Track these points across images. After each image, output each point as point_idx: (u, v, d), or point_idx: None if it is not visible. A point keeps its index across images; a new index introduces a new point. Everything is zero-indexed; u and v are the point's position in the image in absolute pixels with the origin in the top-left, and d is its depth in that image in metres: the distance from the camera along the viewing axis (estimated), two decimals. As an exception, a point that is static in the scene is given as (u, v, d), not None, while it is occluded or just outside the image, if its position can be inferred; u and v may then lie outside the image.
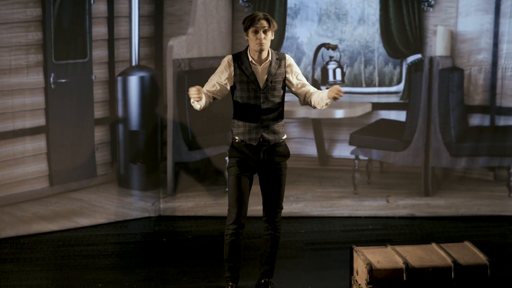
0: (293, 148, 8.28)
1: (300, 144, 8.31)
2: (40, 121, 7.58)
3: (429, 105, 8.04)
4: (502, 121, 8.13)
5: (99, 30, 7.78)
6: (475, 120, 8.18)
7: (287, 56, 5.74)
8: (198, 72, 7.96)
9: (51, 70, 7.53)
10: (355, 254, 5.76)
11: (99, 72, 7.83)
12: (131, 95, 7.95)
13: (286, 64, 5.70)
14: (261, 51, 5.60)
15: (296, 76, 5.75)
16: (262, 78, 5.64)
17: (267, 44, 5.58)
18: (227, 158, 5.88)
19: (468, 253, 5.71)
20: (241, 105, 5.67)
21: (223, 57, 5.74)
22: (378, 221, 7.92)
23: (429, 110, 8.04)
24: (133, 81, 7.94)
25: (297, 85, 5.76)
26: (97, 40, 7.76)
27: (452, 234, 7.56)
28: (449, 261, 5.52)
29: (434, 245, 5.85)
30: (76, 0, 7.58)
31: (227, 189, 6.58)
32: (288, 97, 8.26)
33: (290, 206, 8.06)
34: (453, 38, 8.08)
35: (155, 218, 7.98)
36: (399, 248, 5.77)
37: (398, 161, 8.20)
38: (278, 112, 5.72)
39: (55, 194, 7.72)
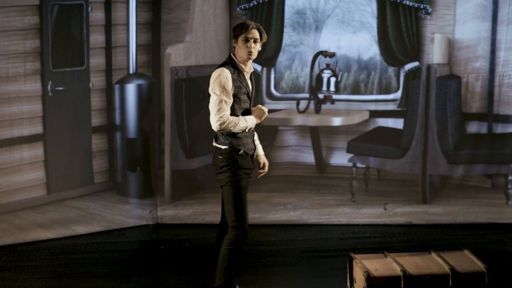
0: (290, 156, 8.31)
1: (297, 151, 8.31)
2: (38, 129, 7.58)
3: (426, 112, 8.04)
4: (500, 128, 8.13)
5: (97, 38, 7.78)
6: (473, 127, 8.19)
7: None
8: (196, 80, 7.97)
9: (49, 78, 7.54)
10: (352, 262, 5.75)
11: (96, 80, 7.83)
12: (128, 103, 7.95)
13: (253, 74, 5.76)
14: (249, 60, 5.57)
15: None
16: (250, 86, 5.64)
17: (255, 54, 5.55)
18: (224, 167, 5.64)
19: (466, 260, 5.71)
20: (237, 116, 5.58)
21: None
22: (375, 229, 7.92)
23: (426, 118, 8.05)
24: (131, 89, 7.94)
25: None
26: (94, 48, 7.77)
27: (450, 241, 7.56)
28: (446, 268, 5.52)
29: (431, 252, 5.85)
30: (74, 8, 7.59)
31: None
32: (285, 104, 8.36)
33: (288, 214, 8.06)
34: (451, 46, 8.09)
35: (153, 226, 7.98)
36: (397, 256, 5.76)
37: (396, 169, 8.19)
38: None
39: (53, 202, 7.72)
